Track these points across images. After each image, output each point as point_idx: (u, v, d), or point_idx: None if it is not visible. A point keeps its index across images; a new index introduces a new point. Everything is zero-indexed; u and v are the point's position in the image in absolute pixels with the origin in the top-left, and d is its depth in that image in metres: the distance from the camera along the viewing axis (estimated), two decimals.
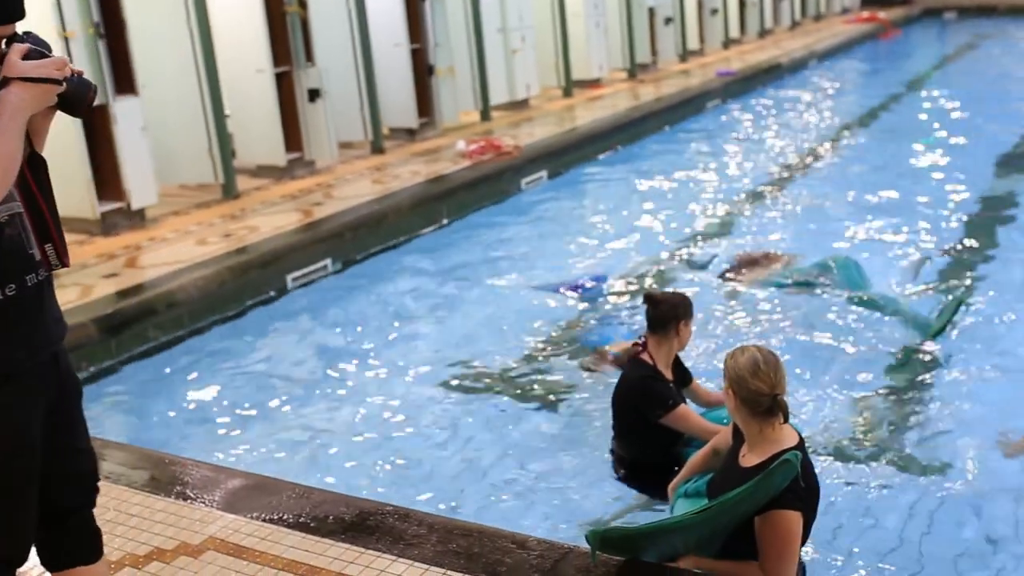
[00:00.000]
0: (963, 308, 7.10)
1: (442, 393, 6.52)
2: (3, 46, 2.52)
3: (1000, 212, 10.42)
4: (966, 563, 4.55)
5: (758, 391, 3.47)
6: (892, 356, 6.72)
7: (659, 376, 4.89)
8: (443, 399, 6.45)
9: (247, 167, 11.43)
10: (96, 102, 3.06)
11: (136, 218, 9.56)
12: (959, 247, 9.20)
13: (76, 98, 2.60)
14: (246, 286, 8.20)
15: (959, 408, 5.99)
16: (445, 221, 10.59)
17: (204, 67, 10.18)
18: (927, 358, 6.68)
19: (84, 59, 8.77)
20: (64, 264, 2.67)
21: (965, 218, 10.17)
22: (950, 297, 7.45)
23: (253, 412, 6.37)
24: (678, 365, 5.10)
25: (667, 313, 4.89)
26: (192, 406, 6.59)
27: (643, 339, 5.01)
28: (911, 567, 4.51)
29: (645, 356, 4.93)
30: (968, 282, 8.14)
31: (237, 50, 10.89)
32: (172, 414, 6.47)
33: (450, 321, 7.92)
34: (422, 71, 13.36)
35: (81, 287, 7.77)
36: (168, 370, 7.15)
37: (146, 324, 7.48)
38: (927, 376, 6.46)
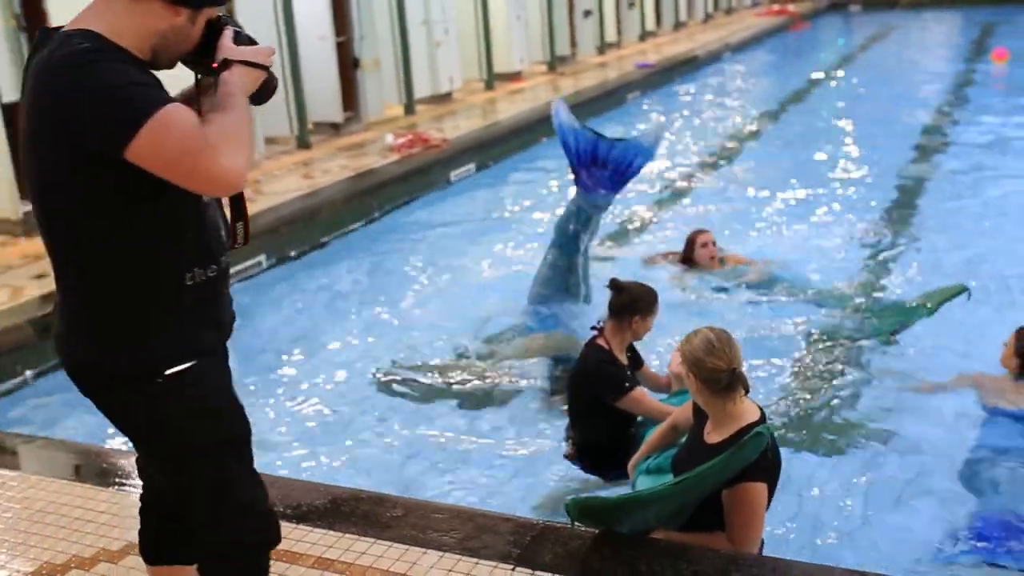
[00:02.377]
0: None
1: (382, 385, 6.57)
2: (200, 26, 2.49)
3: (908, 196, 10.85)
4: (905, 527, 4.77)
5: (716, 368, 3.59)
6: (831, 336, 6.95)
7: (615, 360, 4.98)
8: (383, 390, 6.50)
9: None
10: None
11: None
12: (871, 232, 9.55)
13: (268, 88, 2.58)
14: None
15: (890, 384, 6.25)
16: (376, 215, 10.62)
17: None
18: (857, 339, 6.93)
19: (4, 53, 8.59)
20: (246, 242, 2.67)
21: (877, 203, 10.56)
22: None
23: None
24: (631, 349, 5.22)
25: (625, 303, 4.98)
26: None
27: (601, 324, 5.11)
28: (855, 532, 4.73)
29: (601, 340, 5.02)
30: (884, 265, 8.49)
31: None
32: None
33: (388, 313, 7.95)
34: (347, 64, 13.32)
35: (10, 288, 7.63)
36: None
37: None
38: (858, 355, 6.71)
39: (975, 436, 5.42)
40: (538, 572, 3.55)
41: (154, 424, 2.54)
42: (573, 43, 20.55)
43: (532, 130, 14.21)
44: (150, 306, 2.46)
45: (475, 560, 3.64)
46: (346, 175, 11.06)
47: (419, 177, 11.56)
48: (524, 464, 5.53)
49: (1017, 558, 4.43)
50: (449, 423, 6.05)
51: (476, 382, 6.55)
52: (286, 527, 3.88)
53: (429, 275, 8.93)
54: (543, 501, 5.04)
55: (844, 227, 9.75)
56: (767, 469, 3.60)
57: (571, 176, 7.11)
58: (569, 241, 7.11)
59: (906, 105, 16.09)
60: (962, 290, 6.76)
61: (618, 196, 7.18)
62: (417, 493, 5.05)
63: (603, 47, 21.62)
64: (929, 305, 6.89)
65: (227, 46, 2.50)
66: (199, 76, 2.58)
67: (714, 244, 8.16)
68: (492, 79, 17.22)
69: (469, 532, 3.83)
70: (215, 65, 2.48)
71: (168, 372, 2.47)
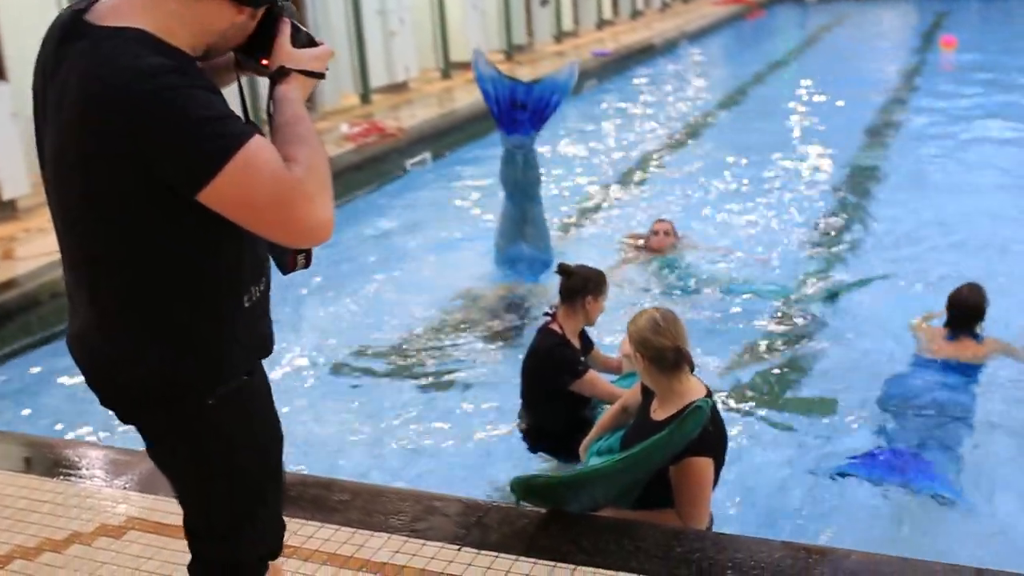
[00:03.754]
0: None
1: (336, 370, 6.58)
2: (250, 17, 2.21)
3: (862, 181, 11.01)
4: (852, 502, 4.86)
5: (662, 347, 3.66)
6: (781, 319, 7.04)
7: (568, 344, 5.01)
8: (337, 376, 6.51)
9: None
10: None
11: (7, 209, 9.28)
12: (827, 216, 9.67)
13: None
14: None
15: (838, 365, 6.38)
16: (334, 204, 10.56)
17: None
18: (806, 320, 7.06)
19: None
20: (308, 265, 2.46)
21: (831, 188, 10.74)
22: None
23: None
24: (582, 333, 5.24)
25: (577, 287, 5.01)
26: (88, 395, 6.46)
27: (554, 309, 5.13)
28: (804, 506, 4.82)
29: (555, 325, 5.05)
30: (837, 248, 8.62)
31: None
32: (64, 405, 6.36)
33: (344, 301, 7.94)
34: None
35: None
36: (57, 361, 7.01)
37: (30, 316, 7.32)
38: (808, 336, 6.85)
39: (903, 383, 5.69)
40: (484, 551, 3.57)
41: (199, 446, 2.34)
42: (530, 31, 20.57)
43: (488, 118, 14.13)
44: (208, 327, 2.22)
45: (422, 542, 3.65)
46: None
47: (375, 166, 11.54)
48: (477, 446, 5.56)
49: (900, 477, 4.88)
50: (403, 407, 6.07)
51: (429, 367, 6.59)
52: None
53: (385, 263, 8.92)
54: (495, 482, 5.06)
55: (798, 211, 9.90)
56: (712, 444, 3.66)
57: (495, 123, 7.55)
58: (514, 189, 7.65)
59: (859, 92, 16.28)
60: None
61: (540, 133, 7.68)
62: (369, 477, 5.06)
63: (560, 35, 21.66)
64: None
65: (286, 49, 2.25)
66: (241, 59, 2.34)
67: (667, 233, 8.31)
68: (448, 68, 17.19)
69: (416, 514, 3.84)
70: (267, 64, 2.24)
71: (219, 392, 2.26)
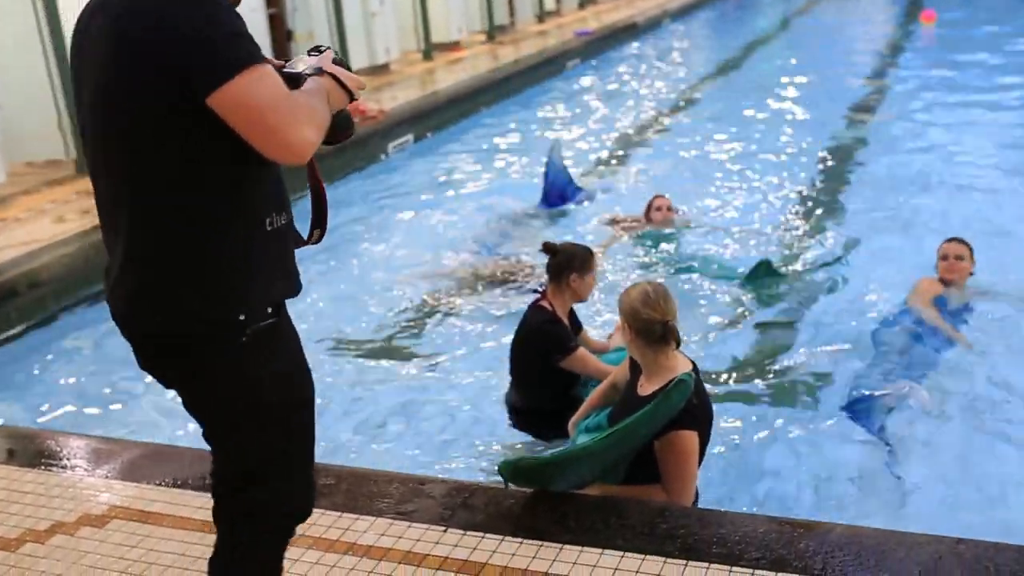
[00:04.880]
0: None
1: (322, 355, 6.54)
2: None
3: (847, 157, 11.03)
4: (836, 478, 4.87)
5: (650, 319, 3.69)
6: (762, 296, 7.05)
7: (559, 321, 5.03)
8: (322, 360, 6.47)
9: None
10: None
11: None
12: (812, 192, 9.73)
13: (345, 128, 2.58)
14: None
15: (826, 340, 6.35)
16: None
17: (50, 39, 9.81)
18: (791, 297, 7.07)
19: None
20: (319, 241, 2.71)
21: (817, 164, 10.74)
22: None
23: (133, 386, 6.28)
24: (571, 314, 5.25)
25: (561, 264, 5.02)
26: (66, 384, 6.46)
27: (544, 287, 5.13)
28: (789, 481, 4.83)
29: (544, 303, 5.06)
30: (824, 223, 8.65)
31: None
32: (46, 395, 6.33)
33: (326, 285, 7.90)
34: (281, 36, 13.24)
35: None
36: (38, 351, 6.98)
37: (7, 307, 7.27)
38: (791, 312, 6.86)
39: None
40: (470, 532, 3.57)
41: (238, 385, 2.44)
42: (512, 11, 20.49)
43: (471, 100, 14.19)
44: (235, 253, 2.37)
45: (407, 524, 3.65)
46: None
47: (356, 149, 11.47)
48: (466, 427, 5.55)
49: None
50: (391, 389, 6.05)
51: (415, 348, 6.59)
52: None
53: (368, 245, 8.90)
54: (483, 463, 5.06)
55: (784, 186, 9.92)
56: (696, 417, 3.68)
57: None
58: None
59: (842, 67, 16.36)
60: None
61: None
62: (355, 461, 5.04)
63: (542, 15, 21.60)
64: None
65: (325, 60, 2.52)
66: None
67: (669, 209, 8.45)
68: (430, 49, 17.11)
69: (402, 496, 3.84)
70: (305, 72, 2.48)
71: (254, 327, 2.39)
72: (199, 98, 2.21)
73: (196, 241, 2.34)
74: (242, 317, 2.37)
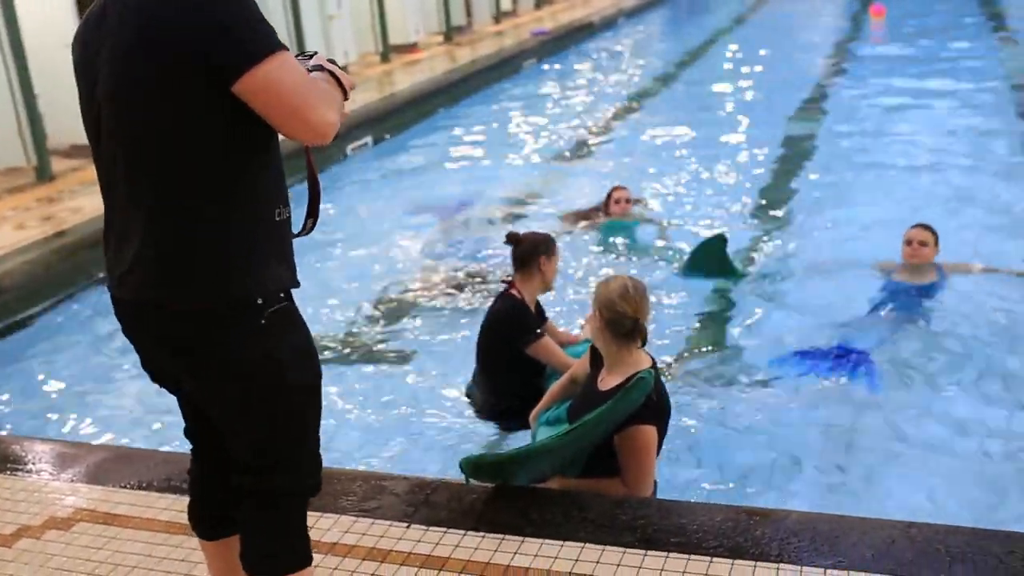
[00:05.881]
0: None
1: None
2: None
3: (801, 148, 11.30)
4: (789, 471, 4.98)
5: (623, 313, 3.78)
6: (715, 294, 7.19)
7: (528, 308, 5.11)
8: None
9: (59, 148, 11.03)
10: None
11: None
12: (768, 183, 9.96)
13: None
14: (76, 269, 8.00)
15: (770, 331, 6.53)
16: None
17: (8, 42, 9.74)
18: (747, 286, 7.25)
19: None
20: (309, 232, 2.74)
21: (772, 155, 10.99)
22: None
23: (97, 391, 6.29)
24: (537, 306, 5.32)
25: (529, 250, 5.10)
26: (31, 390, 6.45)
27: (511, 278, 5.20)
28: (746, 470, 4.94)
29: (514, 291, 5.13)
30: (772, 215, 8.85)
31: (44, 23, 10.36)
32: (10, 400, 6.32)
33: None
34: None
35: None
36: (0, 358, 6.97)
37: None
38: (748, 302, 7.02)
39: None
40: (433, 528, 3.63)
41: (263, 365, 2.50)
42: (468, 12, 20.52)
43: (429, 101, 14.22)
44: (253, 238, 2.46)
45: (371, 520, 3.70)
46: None
47: (315, 152, 11.40)
48: (430, 423, 5.60)
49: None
50: (353, 388, 6.09)
51: (378, 347, 6.64)
52: (182, 500, 3.91)
53: (329, 247, 8.90)
54: (446, 458, 5.12)
55: (739, 181, 10.13)
56: (655, 412, 3.77)
57: None
58: None
59: (794, 61, 16.67)
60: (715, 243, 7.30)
61: None
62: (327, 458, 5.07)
63: (499, 15, 21.65)
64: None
65: (321, 59, 2.61)
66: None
67: (627, 200, 8.53)
68: (388, 51, 17.10)
69: (365, 493, 3.89)
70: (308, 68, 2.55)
71: (269, 314, 2.47)
72: (226, 84, 2.29)
73: (213, 228, 2.41)
74: (260, 300, 2.46)
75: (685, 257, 7.61)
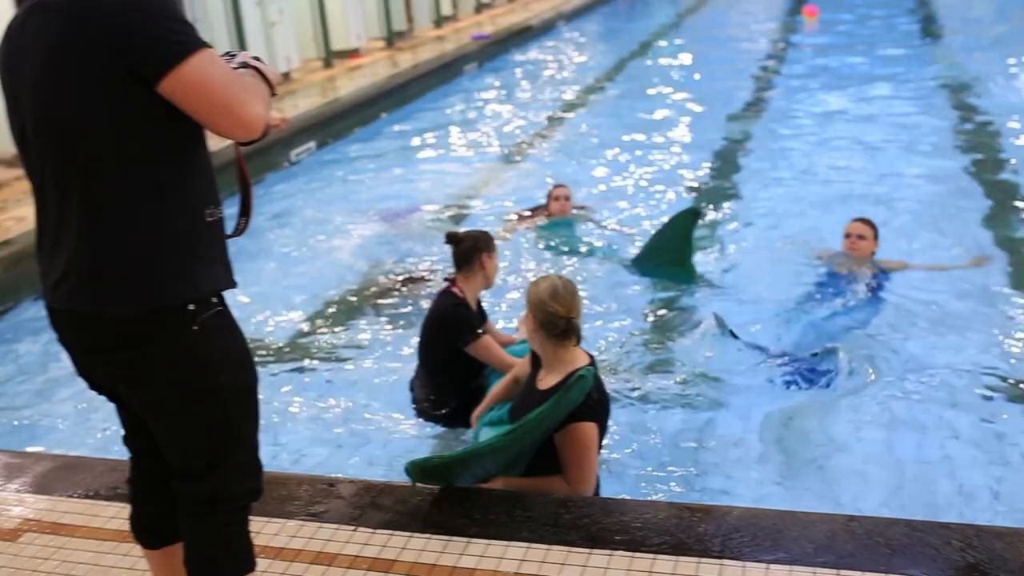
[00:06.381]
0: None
1: None
2: None
3: (738, 148, 11.54)
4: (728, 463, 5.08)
5: (555, 313, 3.82)
6: (658, 290, 7.30)
7: (468, 306, 5.15)
8: None
9: (3, 157, 10.89)
10: None
11: None
12: (707, 182, 10.20)
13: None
14: (20, 278, 7.90)
15: (705, 328, 6.51)
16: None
17: None
18: (689, 283, 7.36)
19: None
20: (242, 233, 2.76)
21: (710, 155, 11.21)
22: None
23: (41, 400, 6.24)
24: (479, 305, 5.37)
25: (470, 248, 5.14)
26: None
27: (452, 277, 5.24)
28: (688, 467, 5.01)
29: (455, 289, 5.16)
30: (712, 212, 9.01)
31: None
32: None
33: (234, 294, 7.88)
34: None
35: None
36: None
37: None
38: (683, 304, 7.12)
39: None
40: (379, 530, 3.66)
41: (196, 369, 2.52)
42: (410, 17, 20.51)
43: (372, 105, 14.22)
44: (181, 244, 2.46)
45: (318, 524, 3.73)
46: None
47: (259, 158, 11.43)
48: (374, 427, 5.62)
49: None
50: (300, 393, 6.10)
51: (324, 352, 6.65)
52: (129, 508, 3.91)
53: (274, 254, 8.89)
54: (393, 461, 5.14)
55: (679, 178, 10.33)
56: (595, 409, 3.83)
57: None
58: None
59: (731, 63, 16.87)
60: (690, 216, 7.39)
61: None
62: (267, 465, 5.07)
63: (439, 20, 21.65)
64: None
65: (246, 56, 2.64)
66: None
67: (567, 199, 8.60)
68: (330, 57, 17.06)
69: (311, 498, 3.92)
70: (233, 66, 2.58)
71: (202, 318, 2.48)
72: (151, 83, 2.30)
73: (145, 232, 2.41)
74: (192, 306, 2.47)
75: (631, 251, 7.74)
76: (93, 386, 2.73)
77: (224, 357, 2.57)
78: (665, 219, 7.77)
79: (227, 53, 2.65)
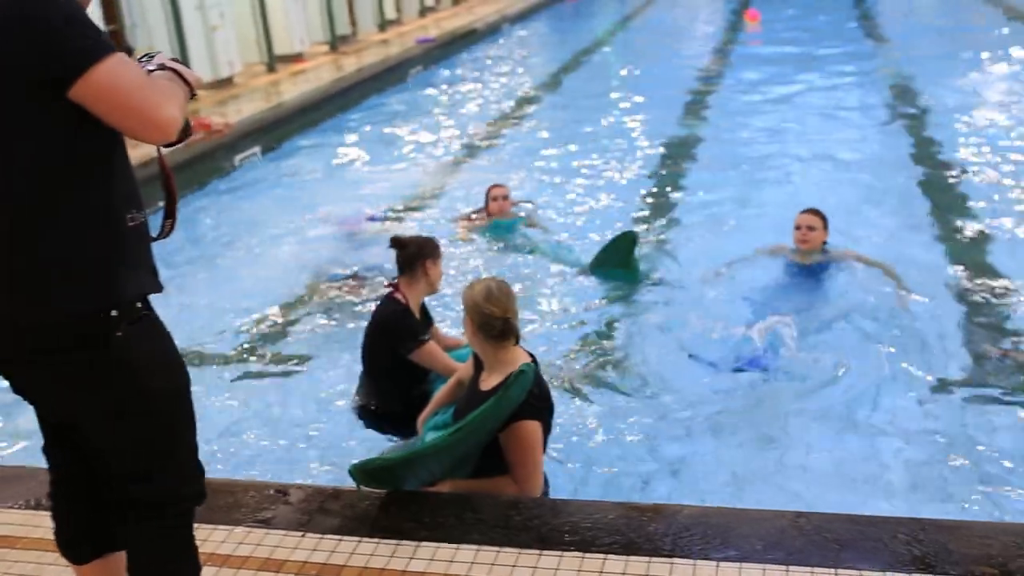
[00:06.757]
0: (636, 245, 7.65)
1: None
2: None
3: (682, 148, 11.64)
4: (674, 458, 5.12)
5: (491, 315, 3.83)
6: (604, 290, 7.33)
7: (411, 313, 5.10)
8: None
9: None
10: None
11: None
12: (651, 184, 10.23)
13: (183, 130, 2.62)
14: None
15: (652, 327, 6.67)
16: (161, 204, 10.32)
17: None
18: (632, 282, 7.38)
19: None
20: (168, 235, 2.73)
21: (654, 156, 11.29)
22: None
23: None
24: (423, 310, 5.33)
25: (414, 254, 5.09)
26: None
27: (395, 283, 5.20)
28: (637, 467, 5.02)
29: (398, 295, 5.12)
30: (655, 222, 8.99)
31: None
32: None
33: (177, 301, 7.77)
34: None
35: None
36: None
37: None
38: (629, 304, 7.14)
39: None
40: (328, 536, 3.63)
41: (125, 376, 2.49)
42: (353, 21, 20.44)
43: (316, 110, 14.16)
44: (101, 249, 2.43)
45: (265, 531, 3.69)
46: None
47: (203, 164, 11.34)
48: (322, 432, 5.57)
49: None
50: (247, 399, 6.03)
51: (270, 358, 6.59)
52: None
53: (219, 259, 8.82)
54: (338, 464, 5.10)
55: (623, 179, 10.40)
56: (537, 407, 3.84)
57: None
58: None
59: (675, 65, 17.06)
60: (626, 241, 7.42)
61: None
62: (214, 472, 5.01)
63: (384, 24, 21.60)
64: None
65: (164, 58, 2.61)
66: None
67: (505, 198, 8.59)
68: (273, 61, 16.95)
69: (259, 504, 3.87)
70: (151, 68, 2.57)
71: (125, 325, 2.45)
72: (64, 88, 2.28)
73: (64, 238, 2.38)
74: (115, 313, 2.44)
75: (578, 252, 7.78)
76: (23, 395, 2.68)
77: (151, 362, 2.55)
78: (610, 233, 7.87)
79: (145, 55, 2.63)
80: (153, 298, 2.61)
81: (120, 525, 2.73)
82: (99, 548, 2.85)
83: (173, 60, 2.61)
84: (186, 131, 2.63)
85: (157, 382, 2.56)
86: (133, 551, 2.70)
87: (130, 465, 2.62)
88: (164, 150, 2.66)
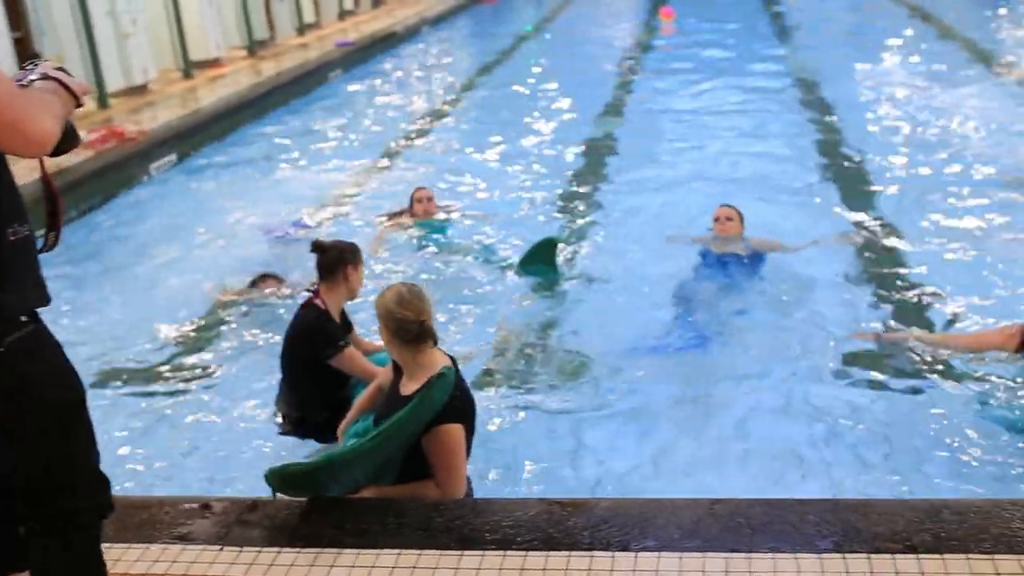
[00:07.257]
0: (559, 246, 7.77)
1: (89, 385, 6.35)
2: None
3: (603, 146, 11.80)
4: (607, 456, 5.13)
5: (405, 319, 3.80)
6: (527, 288, 7.36)
7: (331, 319, 5.06)
8: (90, 390, 6.30)
9: None
10: None
11: None
12: (573, 181, 10.36)
13: (70, 137, 2.60)
14: None
15: (573, 322, 6.75)
16: (74, 215, 10.16)
17: None
18: (550, 284, 7.43)
19: None
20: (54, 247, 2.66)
21: (575, 154, 11.45)
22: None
23: None
24: (343, 315, 5.28)
25: (335, 259, 5.04)
26: None
27: (315, 286, 5.14)
28: (559, 463, 5.05)
29: (317, 301, 5.07)
30: (578, 220, 9.10)
31: None
32: None
33: (90, 312, 7.63)
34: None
35: None
36: None
37: None
38: (554, 301, 7.20)
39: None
40: (247, 548, 3.58)
41: (10, 392, 2.46)
42: (271, 26, 20.26)
43: (234, 116, 13.99)
44: None
45: (182, 546, 3.62)
46: (36, 176, 10.48)
47: (117, 172, 11.14)
48: (242, 443, 5.51)
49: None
50: (161, 413, 5.95)
51: (187, 368, 6.54)
52: None
53: (133, 269, 8.67)
54: (257, 475, 5.03)
55: (544, 177, 10.48)
56: (460, 410, 3.83)
57: None
58: None
59: (594, 64, 17.35)
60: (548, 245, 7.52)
61: None
62: (128, 489, 4.94)
63: (302, 28, 21.42)
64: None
65: (47, 67, 2.58)
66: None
67: (430, 200, 8.64)
68: (190, 67, 16.70)
69: (175, 519, 3.80)
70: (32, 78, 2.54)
71: (9, 340, 2.42)
72: None
73: None
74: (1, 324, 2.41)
75: (500, 252, 7.85)
76: None
77: (42, 376, 2.52)
78: (533, 231, 8.00)
79: (30, 62, 2.59)
80: (67, 311, 2.59)
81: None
82: (19, 564, 2.80)
83: (58, 69, 2.56)
84: (74, 140, 2.58)
85: (50, 394, 2.53)
86: (37, 568, 2.66)
87: (29, 480, 2.59)
88: (49, 160, 2.61)
